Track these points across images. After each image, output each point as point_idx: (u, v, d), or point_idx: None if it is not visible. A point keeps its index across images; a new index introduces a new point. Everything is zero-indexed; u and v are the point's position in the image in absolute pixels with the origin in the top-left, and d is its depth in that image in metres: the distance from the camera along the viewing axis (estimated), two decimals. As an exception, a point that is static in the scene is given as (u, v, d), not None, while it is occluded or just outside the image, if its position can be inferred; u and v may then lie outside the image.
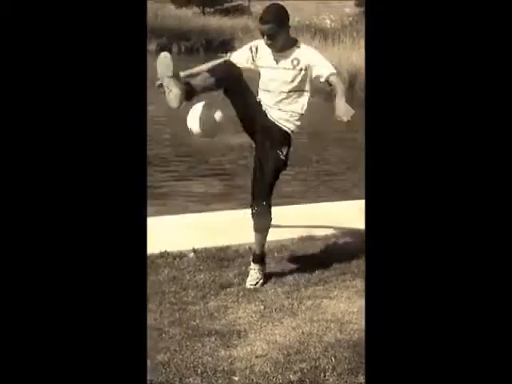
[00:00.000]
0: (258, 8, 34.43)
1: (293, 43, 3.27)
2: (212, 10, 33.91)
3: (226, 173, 7.32)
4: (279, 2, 3.35)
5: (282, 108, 3.30)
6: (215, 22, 26.42)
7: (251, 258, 3.49)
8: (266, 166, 3.30)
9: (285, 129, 3.30)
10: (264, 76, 3.35)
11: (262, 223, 3.40)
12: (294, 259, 3.75)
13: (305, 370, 2.49)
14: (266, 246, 3.52)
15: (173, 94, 3.14)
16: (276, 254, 3.78)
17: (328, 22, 24.41)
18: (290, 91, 3.27)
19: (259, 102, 3.34)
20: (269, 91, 3.31)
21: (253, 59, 3.37)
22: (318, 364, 2.53)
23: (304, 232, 4.14)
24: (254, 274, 3.42)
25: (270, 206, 3.37)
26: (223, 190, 6.72)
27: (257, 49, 3.35)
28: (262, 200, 3.34)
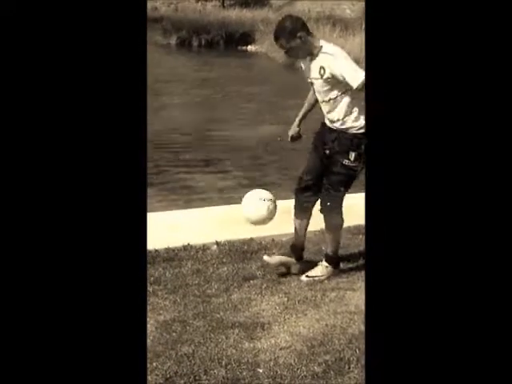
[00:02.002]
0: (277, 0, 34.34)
1: (318, 50, 3.15)
2: (232, 2, 33.87)
3: (248, 167, 7.33)
4: (290, 14, 3.30)
5: (326, 115, 3.27)
6: (235, 14, 26.33)
7: (324, 257, 3.45)
8: (335, 172, 3.26)
9: (353, 132, 3.22)
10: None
11: (333, 222, 3.36)
12: (317, 251, 3.74)
13: (329, 362, 2.49)
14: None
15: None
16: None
17: (348, 11, 24.23)
18: (329, 99, 3.21)
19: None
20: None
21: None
22: (342, 356, 2.53)
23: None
24: (320, 269, 3.40)
25: (341, 205, 3.32)
26: (247, 182, 6.72)
27: (301, 65, 3.33)
28: (329, 199, 3.30)
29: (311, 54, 3.18)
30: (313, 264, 3.48)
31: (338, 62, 3.09)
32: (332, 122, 3.26)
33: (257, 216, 3.31)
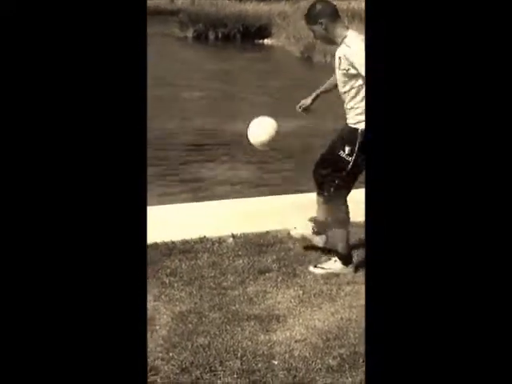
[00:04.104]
0: (294, -7, 34.13)
1: (342, 39, 3.15)
2: (249, -5, 33.77)
3: (264, 160, 7.33)
4: (317, 1, 3.25)
5: (347, 105, 3.27)
6: (252, 7, 26.26)
7: (334, 254, 3.45)
8: (333, 162, 3.31)
9: (352, 126, 3.25)
10: None
11: (336, 216, 3.37)
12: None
13: (344, 356, 2.50)
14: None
15: None
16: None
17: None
18: (344, 92, 3.23)
19: None
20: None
21: None
22: (356, 350, 2.54)
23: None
24: (331, 263, 3.41)
25: (344, 199, 3.34)
26: (262, 176, 6.73)
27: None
28: (332, 192, 3.33)
29: (334, 42, 3.18)
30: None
31: (355, 55, 3.05)
32: (346, 109, 3.29)
33: (259, 139, 3.45)
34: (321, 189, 3.38)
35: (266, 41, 22.72)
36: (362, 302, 2.99)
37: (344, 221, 3.37)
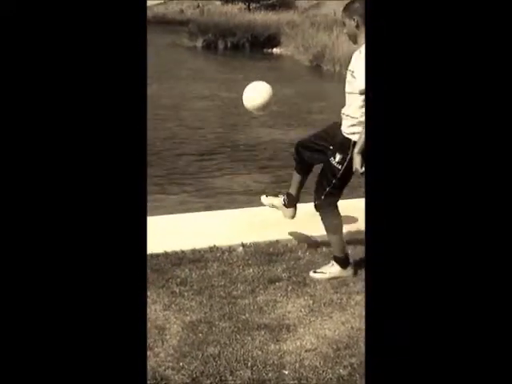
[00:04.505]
0: (303, 2, 34.32)
1: (363, 42, 3.14)
2: (257, 5, 33.94)
3: (274, 167, 7.34)
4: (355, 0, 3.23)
5: (344, 111, 3.30)
6: (261, 17, 26.40)
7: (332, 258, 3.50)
8: (325, 169, 3.37)
9: (345, 136, 3.26)
10: None
11: (328, 221, 3.43)
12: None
13: (354, 365, 2.49)
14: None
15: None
16: (324, 250, 3.78)
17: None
18: (347, 93, 3.25)
19: None
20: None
21: None
22: (367, 359, 2.52)
23: (353, 227, 4.12)
24: (328, 267, 3.44)
25: (334, 206, 3.40)
26: (272, 184, 6.74)
27: None
28: (323, 200, 3.38)
29: (357, 42, 3.21)
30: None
31: (360, 60, 3.07)
32: (342, 114, 3.30)
33: (254, 103, 3.40)
34: (315, 198, 3.43)
35: (274, 50, 22.81)
36: (373, 311, 2.98)
37: (337, 226, 3.43)
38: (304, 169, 3.61)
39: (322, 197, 3.37)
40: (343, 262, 3.44)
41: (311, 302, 3.10)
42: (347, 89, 3.24)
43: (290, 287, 3.27)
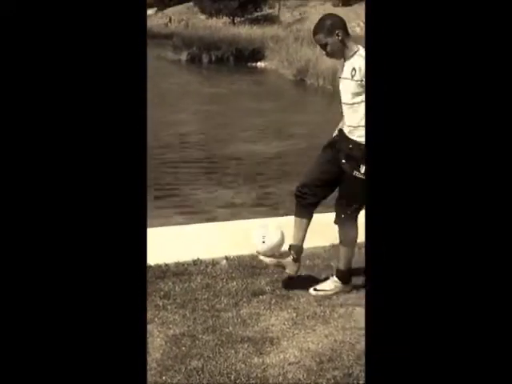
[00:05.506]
0: (287, 17, 34.56)
1: (354, 51, 3.15)
2: (242, 19, 34.12)
3: (258, 180, 7.36)
4: (331, 13, 3.32)
5: (345, 120, 3.26)
6: (245, 31, 26.53)
7: (334, 272, 3.45)
8: (348, 185, 3.25)
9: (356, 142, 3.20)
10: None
11: (347, 235, 3.35)
12: (326, 267, 3.74)
13: (337, 378, 2.49)
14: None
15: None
16: (308, 262, 3.79)
17: (358, 29, 24.36)
18: (353, 103, 3.17)
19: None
20: (341, 103, 3.28)
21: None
22: (350, 372, 2.53)
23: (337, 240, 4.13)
24: (329, 283, 3.40)
25: (356, 219, 3.31)
26: (256, 198, 6.75)
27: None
28: (349, 215, 3.29)
29: (344, 55, 3.18)
30: (320, 279, 3.49)
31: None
32: (350, 128, 3.22)
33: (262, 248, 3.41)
34: (337, 215, 3.33)
35: (259, 64, 22.91)
36: (356, 323, 2.99)
37: (353, 239, 3.35)
38: (308, 211, 3.42)
39: (349, 212, 3.26)
40: (345, 277, 3.40)
41: (295, 314, 3.10)
42: (356, 98, 3.14)
43: (274, 300, 3.26)
